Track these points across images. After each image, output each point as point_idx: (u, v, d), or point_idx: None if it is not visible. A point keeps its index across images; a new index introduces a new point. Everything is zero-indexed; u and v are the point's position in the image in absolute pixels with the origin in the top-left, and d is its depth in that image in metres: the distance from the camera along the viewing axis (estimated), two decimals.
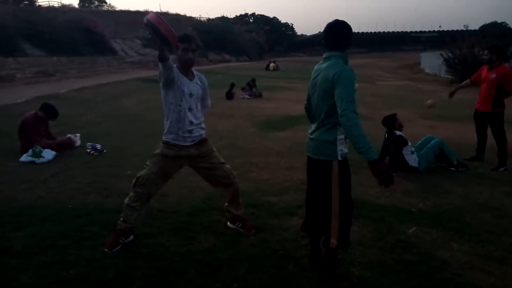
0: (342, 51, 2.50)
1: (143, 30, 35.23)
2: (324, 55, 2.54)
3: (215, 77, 18.64)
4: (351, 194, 2.62)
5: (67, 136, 6.28)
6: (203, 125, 3.12)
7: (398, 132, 5.26)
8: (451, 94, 6.42)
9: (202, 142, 3.10)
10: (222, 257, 2.90)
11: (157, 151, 3.04)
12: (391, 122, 5.34)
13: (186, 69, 2.99)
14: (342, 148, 2.47)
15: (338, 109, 2.34)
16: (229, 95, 13.27)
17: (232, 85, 13.65)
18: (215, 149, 3.25)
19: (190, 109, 2.98)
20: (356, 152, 2.36)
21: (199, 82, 3.08)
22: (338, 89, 2.35)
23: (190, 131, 3.00)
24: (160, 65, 2.73)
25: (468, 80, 6.04)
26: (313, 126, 2.61)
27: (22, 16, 20.81)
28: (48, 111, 6.00)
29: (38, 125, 5.94)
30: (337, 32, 2.53)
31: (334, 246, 2.52)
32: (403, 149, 5.14)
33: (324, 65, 2.49)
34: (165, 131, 3.03)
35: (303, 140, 7.04)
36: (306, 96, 2.79)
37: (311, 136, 2.60)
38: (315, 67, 2.60)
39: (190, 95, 2.97)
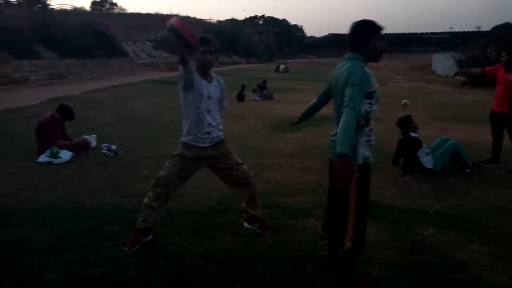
0: (359, 51, 2.48)
1: (154, 32, 35.58)
2: (346, 56, 2.55)
3: (225, 79, 18.68)
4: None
5: (83, 137, 6.37)
6: (221, 127, 3.15)
7: (413, 134, 5.24)
8: (456, 74, 6.31)
9: (220, 143, 3.13)
10: (241, 257, 2.93)
11: (176, 152, 3.07)
12: (406, 123, 5.32)
13: (204, 71, 3.02)
14: (364, 152, 2.45)
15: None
16: (240, 97, 13.34)
17: (243, 87, 13.72)
18: (232, 150, 3.28)
19: (208, 111, 3.01)
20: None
21: (217, 84, 3.11)
22: (348, 88, 2.36)
23: (208, 133, 3.03)
24: (180, 68, 2.76)
25: (480, 69, 5.94)
26: (336, 128, 2.58)
27: (36, 19, 21.11)
28: (65, 112, 6.09)
29: (55, 126, 6.03)
30: (353, 32, 2.51)
31: (348, 248, 2.51)
32: (418, 150, 5.11)
33: (342, 68, 2.49)
34: (184, 132, 3.07)
35: (314, 142, 7.12)
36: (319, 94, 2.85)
37: (333, 138, 2.56)
38: (336, 69, 2.58)
39: (209, 97, 3.00)
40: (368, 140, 2.46)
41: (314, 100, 2.95)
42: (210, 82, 3.05)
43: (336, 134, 2.55)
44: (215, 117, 3.08)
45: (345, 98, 2.34)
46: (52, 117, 6.03)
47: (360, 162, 2.45)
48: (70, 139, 6.16)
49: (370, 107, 2.43)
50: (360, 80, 2.35)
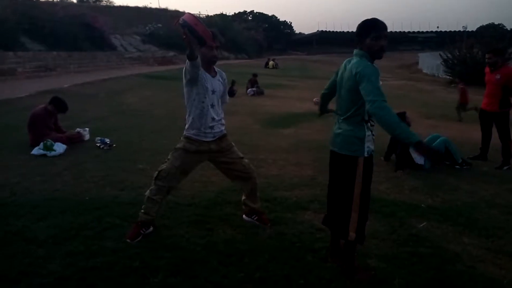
0: (362, 48, 2.53)
1: (142, 26, 35.21)
2: (354, 52, 2.60)
3: None
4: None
5: (76, 130, 6.33)
6: (223, 121, 3.18)
7: None
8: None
9: (222, 137, 3.16)
10: (242, 248, 2.98)
11: (179, 145, 3.10)
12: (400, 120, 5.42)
13: (209, 65, 3.05)
14: (370, 145, 2.53)
15: (367, 103, 2.35)
16: (231, 92, 13.39)
17: (233, 82, 13.78)
18: (234, 144, 3.32)
19: (212, 106, 3.04)
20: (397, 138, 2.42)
21: (220, 79, 3.14)
22: (363, 84, 2.37)
23: (211, 127, 3.05)
24: (188, 63, 2.76)
25: None
26: (339, 121, 2.65)
27: (22, 10, 20.72)
28: (58, 104, 6.05)
29: (48, 119, 5.99)
30: (356, 30, 2.58)
31: (353, 239, 2.59)
32: (410, 146, 5.22)
33: (350, 63, 2.55)
34: (186, 127, 3.09)
35: (307, 137, 7.22)
36: (319, 90, 2.91)
37: (338, 131, 2.61)
38: (344, 62, 2.63)
39: (213, 91, 3.03)
40: (372, 134, 2.55)
41: (323, 92, 2.98)
42: (214, 76, 3.07)
43: (340, 127, 2.60)
44: (218, 112, 3.11)
45: (368, 94, 2.33)
46: (45, 109, 5.99)
47: (366, 155, 2.52)
48: (63, 132, 6.13)
49: None
50: (373, 74, 2.39)
